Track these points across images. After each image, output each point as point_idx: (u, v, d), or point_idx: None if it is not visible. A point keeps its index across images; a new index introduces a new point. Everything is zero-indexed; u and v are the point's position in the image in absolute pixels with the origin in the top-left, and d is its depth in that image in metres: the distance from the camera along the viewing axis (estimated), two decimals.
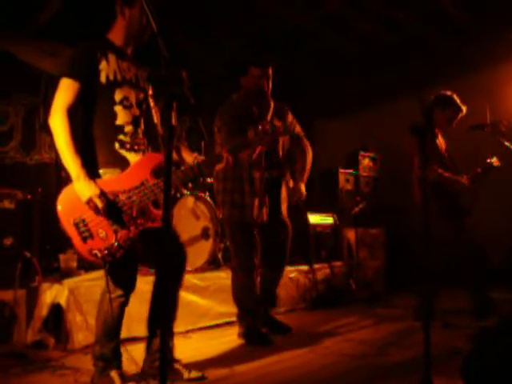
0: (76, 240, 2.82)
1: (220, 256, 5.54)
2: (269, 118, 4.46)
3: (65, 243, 4.20)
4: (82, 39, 3.03)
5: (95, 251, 2.80)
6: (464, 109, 5.05)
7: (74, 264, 4.34)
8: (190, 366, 3.27)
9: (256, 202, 4.34)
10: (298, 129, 4.68)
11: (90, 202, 2.78)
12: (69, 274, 4.25)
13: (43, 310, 3.99)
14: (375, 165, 7.62)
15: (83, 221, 2.82)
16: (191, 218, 5.34)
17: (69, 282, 4.05)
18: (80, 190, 2.80)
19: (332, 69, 8.11)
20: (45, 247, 4.75)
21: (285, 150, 4.60)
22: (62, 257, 4.39)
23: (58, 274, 4.29)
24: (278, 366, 3.63)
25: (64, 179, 4.40)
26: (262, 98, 4.49)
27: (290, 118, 4.65)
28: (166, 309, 3.12)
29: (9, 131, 6.01)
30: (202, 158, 3.13)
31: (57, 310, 4.00)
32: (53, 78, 5.86)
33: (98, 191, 2.79)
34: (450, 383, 2.71)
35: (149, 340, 3.23)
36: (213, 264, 5.45)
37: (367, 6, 6.60)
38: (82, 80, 2.92)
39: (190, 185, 5.76)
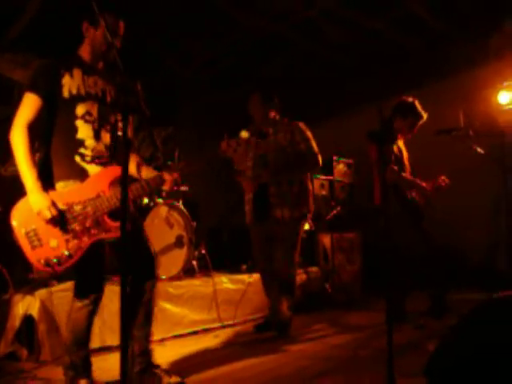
0: (26, 249, 2.88)
1: (195, 264, 5.55)
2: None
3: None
4: (46, 54, 3.07)
5: (43, 260, 2.85)
6: (425, 116, 5.09)
7: (47, 274, 4.32)
8: (170, 372, 3.28)
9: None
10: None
11: (40, 213, 2.84)
12: (42, 285, 4.23)
13: (15, 322, 3.96)
14: (350, 170, 7.67)
15: (34, 230, 2.88)
16: (165, 226, 5.34)
17: (40, 293, 4.03)
18: (33, 201, 2.86)
19: (307, 76, 8.19)
20: (18, 259, 4.71)
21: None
22: (34, 268, 4.36)
23: (31, 286, 4.27)
24: (252, 371, 3.66)
25: None
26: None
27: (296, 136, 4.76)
28: (137, 316, 3.14)
29: None
30: (153, 173, 3.17)
31: (29, 321, 3.98)
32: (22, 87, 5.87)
33: (48, 203, 2.85)
34: (413, 382, 2.77)
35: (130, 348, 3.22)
36: (187, 272, 5.45)
37: (341, 15, 6.68)
38: (44, 95, 2.96)
39: (163, 193, 5.78)
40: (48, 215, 2.83)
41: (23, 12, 5.87)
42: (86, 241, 2.90)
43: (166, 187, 3.14)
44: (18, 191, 5.50)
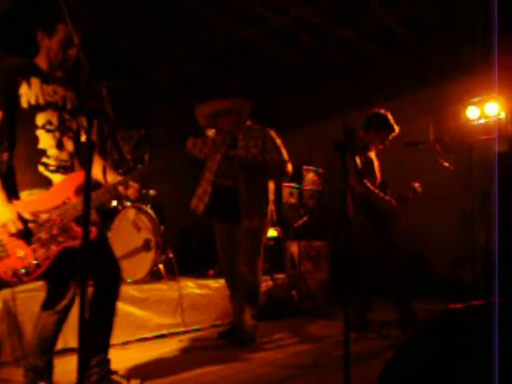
0: None
1: (162, 268, 5.54)
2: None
3: None
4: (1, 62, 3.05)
5: (10, 271, 2.81)
6: (397, 128, 5.16)
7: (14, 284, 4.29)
8: (128, 377, 3.28)
9: None
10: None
11: (4, 226, 2.80)
12: (4, 285, 4.19)
13: None
14: (319, 178, 7.74)
15: (1, 241, 2.82)
16: (132, 229, 5.34)
17: (3, 294, 4.00)
18: None
19: (277, 83, 8.23)
20: None
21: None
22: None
23: None
24: (213, 376, 3.68)
25: None
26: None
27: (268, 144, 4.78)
28: (98, 323, 3.13)
29: None
30: (118, 178, 3.16)
31: None
32: None
33: (13, 216, 2.81)
34: None
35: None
36: (154, 276, 5.45)
37: (313, 22, 6.73)
38: (3, 108, 2.92)
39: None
40: (13, 229, 2.79)
41: None
42: (53, 249, 2.87)
43: (129, 193, 3.14)
44: None
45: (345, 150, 3.15)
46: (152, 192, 5.91)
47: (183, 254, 6.53)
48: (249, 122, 4.88)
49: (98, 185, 3.11)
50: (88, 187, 2.07)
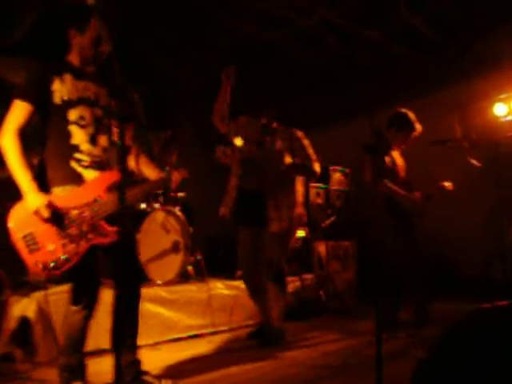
0: (23, 253, 2.92)
1: (190, 269, 5.59)
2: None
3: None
4: (36, 61, 3.11)
5: (40, 264, 2.88)
6: (418, 127, 5.14)
7: (42, 277, 4.36)
8: (160, 377, 3.33)
9: None
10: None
11: (37, 212, 2.87)
12: (37, 287, 4.27)
13: (11, 323, 4.00)
14: (346, 178, 7.73)
15: (31, 234, 2.90)
16: (161, 231, 5.39)
17: (37, 296, 4.09)
18: (29, 201, 2.89)
19: (303, 85, 8.23)
20: (12, 261, 4.75)
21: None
22: (31, 271, 4.40)
23: (26, 288, 4.31)
24: (244, 376, 3.71)
25: None
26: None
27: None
28: (125, 323, 3.18)
29: None
30: (153, 171, 3.21)
31: (25, 323, 4.02)
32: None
33: (45, 201, 2.88)
34: None
35: (118, 353, 3.24)
36: (183, 277, 5.50)
37: (340, 25, 6.73)
38: (34, 102, 2.99)
39: (161, 199, 5.84)
40: (45, 213, 2.86)
41: (24, 14, 5.91)
42: (83, 245, 2.93)
43: (172, 185, 3.19)
44: (14, 194, 5.55)
45: (373, 150, 3.19)
46: (181, 194, 5.96)
47: (212, 255, 6.56)
48: (275, 124, 4.87)
49: (131, 183, 3.15)
50: (122, 188, 2.10)
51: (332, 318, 6.06)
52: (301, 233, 6.59)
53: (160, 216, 5.44)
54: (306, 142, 4.80)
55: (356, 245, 7.04)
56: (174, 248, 5.34)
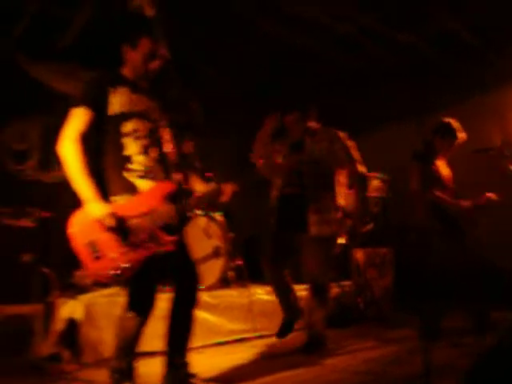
0: (86, 259, 2.97)
1: (231, 274, 5.64)
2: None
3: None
4: (96, 71, 3.21)
5: (102, 271, 2.95)
6: (461, 136, 5.13)
7: (89, 281, 4.46)
8: (206, 380, 3.39)
9: None
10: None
11: (101, 220, 2.93)
12: (83, 290, 4.38)
13: (59, 325, 4.11)
14: (384, 185, 7.70)
15: (94, 241, 2.96)
16: (203, 237, 5.46)
17: (84, 298, 4.19)
18: (93, 210, 2.95)
19: (341, 90, 8.22)
20: (61, 264, 4.86)
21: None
22: (76, 273, 4.51)
23: (74, 290, 4.42)
24: (287, 381, 3.75)
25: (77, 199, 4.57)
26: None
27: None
28: (182, 326, 3.27)
29: (27, 150, 6.15)
30: (205, 187, 3.27)
31: (72, 324, 4.12)
32: (69, 98, 6.05)
33: (109, 210, 2.95)
34: None
35: (169, 356, 3.31)
36: (224, 282, 5.56)
37: (376, 30, 6.73)
38: (94, 110, 3.07)
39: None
40: (110, 222, 2.92)
41: (71, 23, 6.02)
42: (142, 254, 2.98)
43: (224, 199, 3.25)
44: (61, 197, 5.67)
45: (422, 158, 3.19)
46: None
47: (252, 260, 6.60)
48: (317, 125, 4.85)
49: (186, 193, 3.21)
50: (180, 197, 2.16)
51: (370, 325, 6.05)
52: (341, 239, 6.60)
53: (202, 221, 5.51)
54: (349, 143, 4.76)
55: (393, 251, 7.01)
56: (215, 253, 5.41)
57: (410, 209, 5.24)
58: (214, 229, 5.46)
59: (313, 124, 4.84)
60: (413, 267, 6.18)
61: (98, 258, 2.94)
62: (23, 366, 3.95)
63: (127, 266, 2.94)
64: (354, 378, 3.84)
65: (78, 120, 3.05)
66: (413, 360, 4.16)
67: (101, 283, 4.45)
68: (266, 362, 4.37)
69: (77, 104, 3.07)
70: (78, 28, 6.02)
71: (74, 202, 4.65)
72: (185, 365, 3.29)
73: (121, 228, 2.95)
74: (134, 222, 3.00)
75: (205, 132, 3.03)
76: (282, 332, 4.81)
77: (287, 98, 5.25)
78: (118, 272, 2.92)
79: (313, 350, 4.59)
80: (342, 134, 4.78)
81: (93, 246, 2.95)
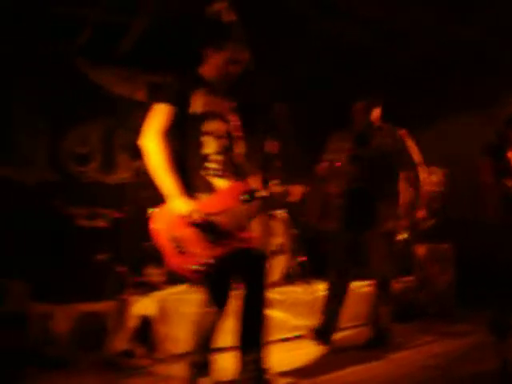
0: (170, 255, 3.02)
1: (295, 271, 5.69)
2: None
3: (151, 258, 4.49)
4: (177, 70, 3.29)
5: (185, 266, 3.00)
6: None
7: (160, 278, 4.58)
8: (276, 375, 3.46)
9: None
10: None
11: (187, 216, 2.98)
12: (155, 287, 4.50)
13: (132, 322, 4.23)
14: (445, 179, 7.60)
15: (178, 237, 3.01)
16: (266, 234, 5.51)
17: (157, 296, 4.30)
18: (178, 206, 3.00)
19: (402, 83, 8.12)
20: (133, 262, 4.99)
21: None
22: (148, 271, 4.64)
23: (145, 288, 4.54)
24: (356, 376, 3.80)
25: (143, 198, 4.70)
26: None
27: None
28: (254, 323, 3.35)
29: (89, 153, 6.33)
30: (277, 188, 3.33)
31: (145, 321, 4.24)
32: (127, 101, 6.23)
33: (195, 207, 3.00)
34: None
35: (242, 352, 3.37)
36: (287, 279, 5.61)
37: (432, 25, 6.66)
38: (176, 107, 3.13)
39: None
40: (195, 218, 2.96)
41: (130, 28, 6.15)
42: (222, 250, 3.04)
43: (293, 199, 3.31)
44: (123, 198, 5.78)
45: (495, 150, 3.19)
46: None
47: (315, 257, 6.63)
48: (379, 121, 4.85)
49: (260, 194, 3.26)
50: (259, 195, 2.21)
51: (432, 320, 6.02)
52: (403, 235, 6.58)
53: (265, 218, 5.58)
54: (409, 142, 4.78)
55: (454, 246, 6.94)
56: (279, 250, 5.47)
57: (477, 203, 5.19)
58: (278, 226, 5.51)
59: (376, 116, 4.82)
60: (476, 262, 6.14)
61: (181, 253, 2.99)
62: (99, 361, 4.06)
63: (209, 261, 2.99)
64: (422, 372, 3.87)
65: (160, 116, 3.11)
66: (480, 356, 4.14)
67: (171, 280, 4.59)
68: (332, 357, 4.41)
69: (160, 100, 3.14)
70: (137, 34, 6.16)
71: (139, 202, 4.77)
72: (258, 360, 3.35)
73: (204, 224, 3.00)
74: (213, 218, 3.05)
75: (290, 132, 3.06)
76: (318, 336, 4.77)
77: (341, 95, 5.23)
78: (201, 267, 2.98)
79: (378, 344, 4.62)
80: (403, 132, 4.78)
81: (176, 242, 3.00)
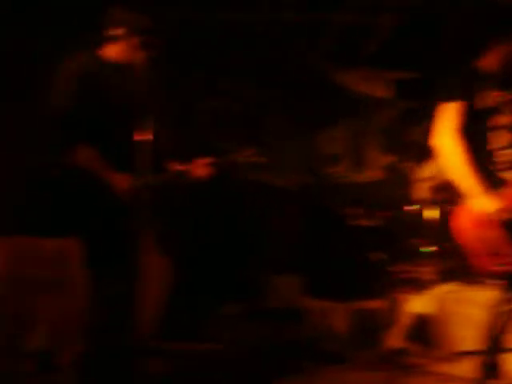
0: (480, 254, 2.94)
1: None
2: None
3: (421, 256, 4.46)
4: (463, 65, 3.25)
5: (495, 267, 2.92)
6: None
7: (432, 276, 4.51)
8: None
9: None
10: None
11: (495, 215, 2.90)
12: (427, 285, 4.44)
13: (407, 319, 4.23)
14: None
15: (485, 237, 2.92)
16: None
17: (433, 294, 4.24)
18: (484, 205, 2.93)
19: None
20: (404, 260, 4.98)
21: None
22: (420, 269, 4.59)
23: (417, 286, 4.51)
24: None
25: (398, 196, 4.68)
26: None
27: None
28: None
29: (339, 153, 6.46)
30: None
31: (421, 319, 4.22)
32: (371, 100, 6.23)
33: (500, 205, 2.90)
34: None
35: None
36: None
37: None
38: (469, 103, 3.07)
39: None
40: (504, 216, 2.88)
41: (373, 28, 6.15)
42: None
43: None
44: (373, 196, 5.72)
45: None
46: None
47: None
48: None
49: None
50: None
51: None
52: None
53: None
54: None
55: None
56: None
57: None
58: None
59: None
60: None
61: (491, 253, 2.92)
62: (375, 358, 4.12)
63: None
64: None
65: (455, 113, 3.06)
66: None
67: (443, 278, 4.49)
68: None
69: (453, 98, 3.10)
70: (383, 35, 6.14)
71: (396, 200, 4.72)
72: None
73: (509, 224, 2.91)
74: None
75: None
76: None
77: None
78: (504, 267, 2.89)
79: None
80: None
81: (485, 242, 2.93)
